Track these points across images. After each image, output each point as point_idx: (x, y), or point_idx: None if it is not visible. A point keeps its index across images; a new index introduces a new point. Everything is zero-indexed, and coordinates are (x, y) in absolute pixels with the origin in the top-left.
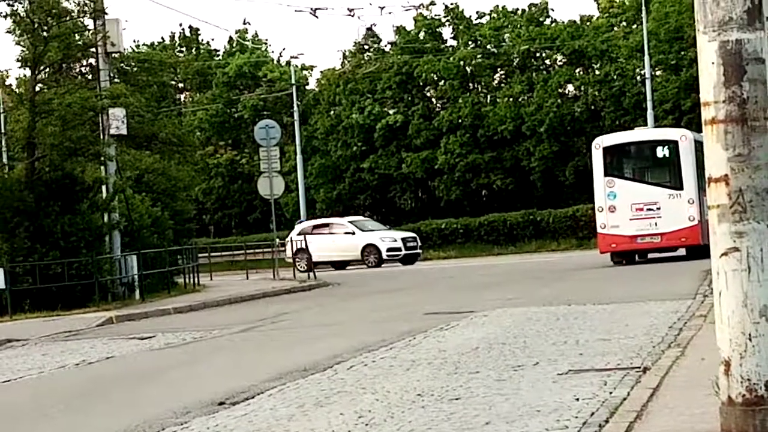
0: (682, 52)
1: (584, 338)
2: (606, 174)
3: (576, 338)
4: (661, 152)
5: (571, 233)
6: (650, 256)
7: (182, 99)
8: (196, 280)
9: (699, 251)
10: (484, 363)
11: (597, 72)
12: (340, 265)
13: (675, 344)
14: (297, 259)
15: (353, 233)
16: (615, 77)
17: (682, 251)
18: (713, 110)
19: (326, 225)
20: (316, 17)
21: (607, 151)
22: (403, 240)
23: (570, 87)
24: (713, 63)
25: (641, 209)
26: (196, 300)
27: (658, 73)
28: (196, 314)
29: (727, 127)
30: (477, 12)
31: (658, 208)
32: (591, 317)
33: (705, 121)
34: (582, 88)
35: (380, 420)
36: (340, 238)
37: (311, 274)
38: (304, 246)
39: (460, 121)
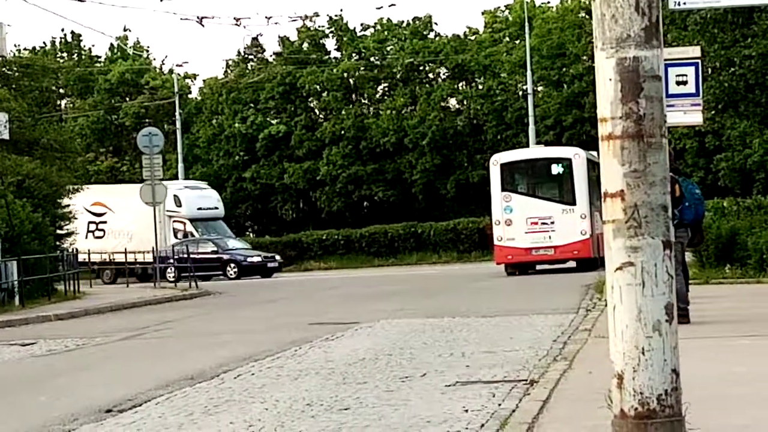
0: (564, 69)
1: (470, 350)
2: (503, 189)
3: (462, 350)
4: (556, 169)
5: (452, 246)
6: (540, 267)
7: (63, 105)
8: (76, 287)
9: (589, 264)
10: (372, 374)
11: (480, 86)
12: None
13: (561, 357)
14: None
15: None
16: (497, 92)
17: (572, 263)
18: (610, 126)
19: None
20: (203, 26)
21: (504, 167)
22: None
23: (453, 101)
24: (611, 79)
25: (536, 223)
26: (77, 307)
27: (540, 88)
28: (78, 321)
29: (624, 143)
30: (361, 24)
31: (552, 222)
32: (476, 329)
33: (602, 136)
34: (465, 102)
35: (270, 429)
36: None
37: (193, 283)
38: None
39: (342, 132)
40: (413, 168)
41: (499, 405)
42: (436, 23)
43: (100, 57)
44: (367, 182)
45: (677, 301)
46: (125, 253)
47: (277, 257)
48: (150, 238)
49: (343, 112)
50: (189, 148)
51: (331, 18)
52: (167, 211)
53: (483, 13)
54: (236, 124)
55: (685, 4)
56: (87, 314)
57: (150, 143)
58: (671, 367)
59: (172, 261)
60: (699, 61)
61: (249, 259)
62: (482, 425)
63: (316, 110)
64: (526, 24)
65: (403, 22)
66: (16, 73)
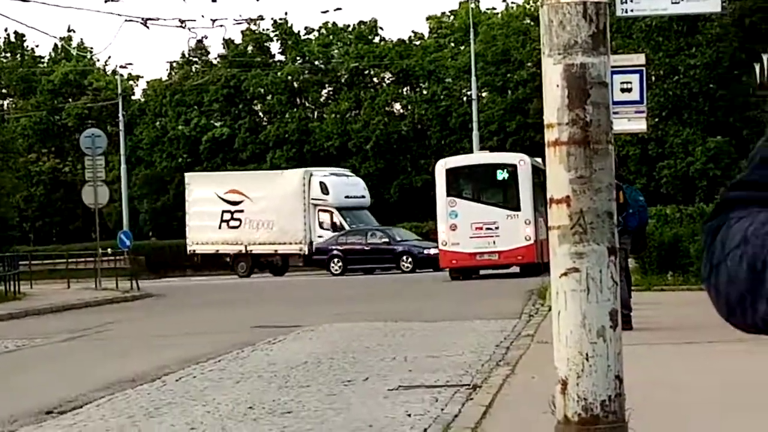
0: (509, 75)
1: (412, 355)
2: (448, 194)
3: (404, 354)
4: (501, 175)
5: None
6: (484, 272)
7: (6, 105)
8: (16, 287)
9: (533, 269)
10: (314, 377)
11: (424, 91)
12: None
13: (504, 362)
14: None
15: None
16: (442, 97)
17: (516, 268)
18: (557, 132)
19: None
20: (147, 27)
21: (450, 172)
22: None
23: (397, 105)
24: (558, 86)
25: (481, 228)
26: (17, 308)
27: (484, 94)
28: (18, 322)
29: (570, 149)
30: (306, 28)
31: (497, 228)
32: (419, 334)
33: (548, 142)
34: (409, 107)
35: None
36: None
37: (133, 284)
38: None
39: (286, 135)
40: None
41: (442, 410)
42: (381, 28)
43: (43, 57)
44: None
45: (620, 308)
46: (261, 244)
47: None
48: (293, 227)
49: (287, 116)
50: (132, 150)
51: (275, 21)
52: (312, 199)
53: (428, 19)
54: (180, 127)
55: (632, 11)
56: (27, 315)
57: (93, 144)
58: (615, 373)
59: (337, 252)
60: (644, 68)
61: (425, 251)
62: (425, 430)
63: (260, 113)
64: (471, 30)
65: (348, 26)
66: None
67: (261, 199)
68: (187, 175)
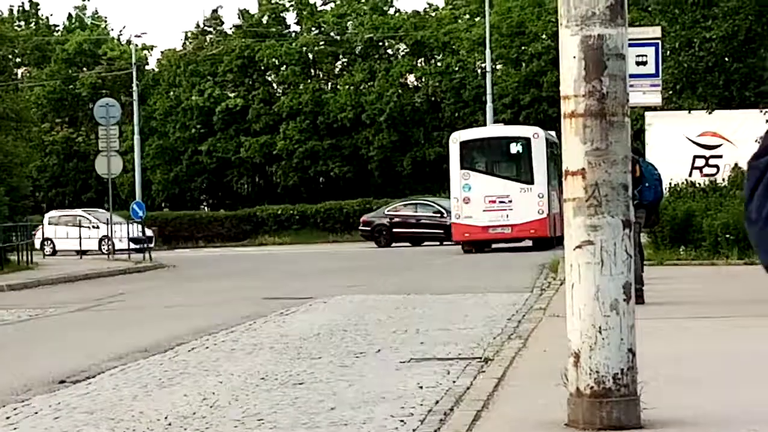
0: (523, 47)
1: (424, 327)
2: (462, 167)
3: (416, 327)
4: (515, 148)
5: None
6: (496, 246)
7: (20, 74)
8: (30, 257)
9: (545, 243)
10: (326, 349)
11: (438, 63)
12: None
13: (516, 336)
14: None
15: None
16: (456, 69)
17: (528, 242)
18: (573, 104)
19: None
20: None
21: (463, 145)
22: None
23: (411, 77)
24: (575, 57)
25: (494, 201)
26: (30, 278)
27: (498, 67)
28: (31, 292)
29: (586, 121)
30: None
31: (510, 201)
32: (431, 307)
33: (564, 114)
34: (423, 79)
35: (225, 402)
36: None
37: (146, 255)
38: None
39: (300, 107)
40: (370, 144)
41: (454, 382)
42: None
43: (57, 26)
44: (324, 158)
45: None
46: None
47: None
48: None
49: (301, 87)
50: (145, 120)
51: None
52: None
53: None
54: (193, 97)
55: None
56: (40, 285)
57: (107, 114)
58: (627, 346)
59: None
60: (659, 41)
61: None
62: (437, 402)
63: (274, 84)
64: (486, 1)
65: None
66: None
67: (744, 141)
68: None
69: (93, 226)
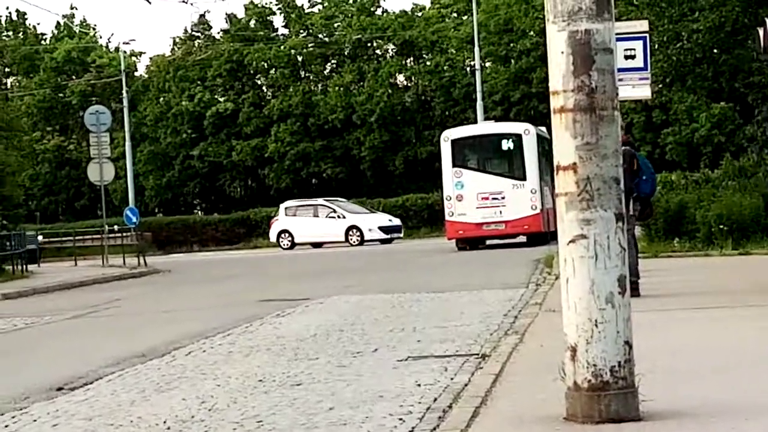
0: (512, 44)
1: (421, 325)
2: (454, 165)
3: (413, 325)
4: (506, 145)
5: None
6: (490, 242)
7: (9, 83)
8: (24, 266)
9: (539, 238)
10: (324, 349)
11: (428, 62)
12: None
13: (512, 331)
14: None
15: None
16: (445, 68)
17: (522, 238)
18: (562, 99)
19: None
20: (150, 3)
21: (455, 143)
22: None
23: (401, 77)
24: (563, 52)
25: (487, 198)
26: (25, 286)
27: (487, 64)
28: (27, 300)
29: (576, 116)
30: (309, 1)
31: (503, 198)
32: (426, 305)
33: (554, 109)
34: (413, 78)
35: (223, 405)
36: None
37: (141, 260)
38: None
39: (290, 109)
40: (361, 144)
41: (452, 379)
42: None
43: (46, 35)
44: (316, 159)
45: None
46: None
47: None
48: None
49: (291, 89)
50: (136, 126)
51: None
52: None
53: None
54: (183, 102)
55: None
56: (35, 293)
57: (97, 121)
58: (624, 338)
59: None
60: (647, 35)
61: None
62: (435, 399)
63: (264, 87)
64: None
65: None
66: None
67: None
68: None
69: (339, 216)
